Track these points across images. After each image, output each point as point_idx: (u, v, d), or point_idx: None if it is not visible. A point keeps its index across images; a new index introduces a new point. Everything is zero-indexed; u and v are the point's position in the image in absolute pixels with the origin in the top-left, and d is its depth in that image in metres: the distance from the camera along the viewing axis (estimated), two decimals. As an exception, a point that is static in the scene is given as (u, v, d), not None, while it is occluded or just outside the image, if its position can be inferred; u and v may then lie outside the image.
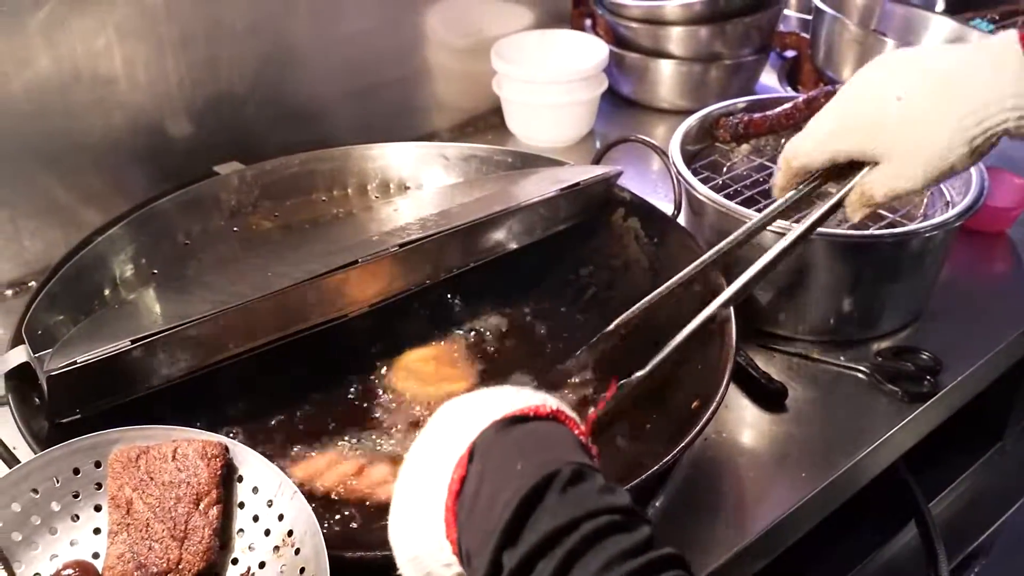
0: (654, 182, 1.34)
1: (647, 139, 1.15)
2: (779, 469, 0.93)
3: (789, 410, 0.99)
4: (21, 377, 0.84)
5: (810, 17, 1.55)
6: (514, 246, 1.03)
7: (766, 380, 1.00)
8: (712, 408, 0.81)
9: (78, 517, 0.71)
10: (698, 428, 0.79)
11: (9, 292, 1.15)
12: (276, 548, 0.70)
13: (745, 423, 0.98)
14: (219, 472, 0.71)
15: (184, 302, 0.89)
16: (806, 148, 0.82)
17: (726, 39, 1.50)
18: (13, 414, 0.80)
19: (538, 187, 1.05)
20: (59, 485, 0.71)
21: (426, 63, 1.43)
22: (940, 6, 1.56)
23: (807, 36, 1.57)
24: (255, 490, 0.72)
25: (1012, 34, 0.73)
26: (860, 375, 1.02)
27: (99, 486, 0.72)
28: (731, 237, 0.92)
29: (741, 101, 1.24)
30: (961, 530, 1.18)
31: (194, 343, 0.85)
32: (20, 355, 0.84)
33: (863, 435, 0.96)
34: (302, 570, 0.67)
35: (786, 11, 1.69)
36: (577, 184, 1.03)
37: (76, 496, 0.71)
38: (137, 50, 1.12)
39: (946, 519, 1.15)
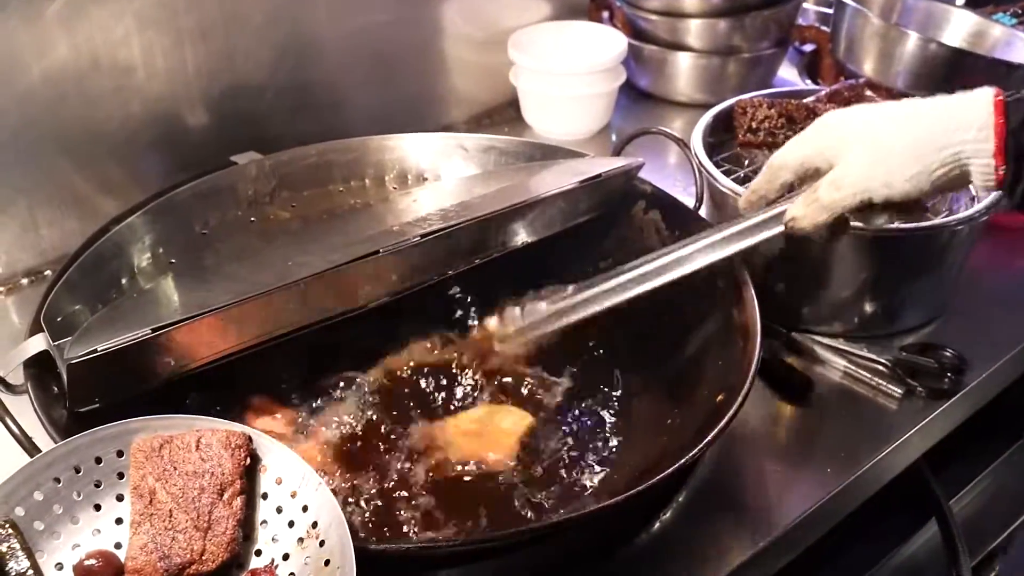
0: (672, 175, 1.33)
1: (669, 131, 1.13)
2: (803, 464, 0.92)
3: (813, 405, 0.98)
4: (40, 365, 0.83)
5: (829, 11, 1.54)
6: (534, 238, 1.02)
7: (791, 373, 0.99)
8: (738, 401, 0.80)
9: (100, 507, 0.70)
10: (724, 421, 0.78)
11: (25, 281, 1.15)
12: (300, 540, 0.69)
13: (768, 417, 0.97)
14: (243, 462, 0.70)
15: (204, 291, 0.88)
16: (785, 151, 0.87)
17: (745, 32, 1.49)
18: (32, 402, 0.80)
19: (558, 179, 1.04)
20: (81, 474, 0.70)
21: (443, 55, 1.42)
22: (961, 0, 1.54)
23: (827, 30, 1.55)
24: (279, 481, 0.71)
25: (989, 91, 0.76)
26: (883, 370, 1.01)
27: (121, 476, 0.71)
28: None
29: (761, 94, 1.23)
30: (982, 527, 1.17)
31: (214, 333, 0.85)
32: (40, 343, 0.83)
33: (887, 432, 0.96)
34: (327, 562, 0.66)
35: (805, 4, 1.68)
36: (598, 176, 1.02)
37: (98, 485, 0.70)
38: (156, 39, 1.12)
39: (967, 516, 1.14)
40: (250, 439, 0.71)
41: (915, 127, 0.78)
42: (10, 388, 0.82)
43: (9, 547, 0.65)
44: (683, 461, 0.75)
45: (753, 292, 0.90)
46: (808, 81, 1.56)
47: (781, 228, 0.86)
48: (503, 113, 1.52)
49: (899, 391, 0.99)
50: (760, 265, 0.97)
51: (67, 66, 1.07)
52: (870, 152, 0.79)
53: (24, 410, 0.79)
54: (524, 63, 1.41)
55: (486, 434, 0.93)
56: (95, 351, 0.78)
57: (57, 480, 0.69)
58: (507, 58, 1.43)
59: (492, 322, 1.01)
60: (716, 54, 1.50)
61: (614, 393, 0.98)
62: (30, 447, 0.77)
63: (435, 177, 1.16)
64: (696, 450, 0.76)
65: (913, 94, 1.23)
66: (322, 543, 0.67)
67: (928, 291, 1.06)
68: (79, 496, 0.70)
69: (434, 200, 1.04)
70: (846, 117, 0.83)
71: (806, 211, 0.83)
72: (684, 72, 1.52)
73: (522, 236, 1.01)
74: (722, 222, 0.92)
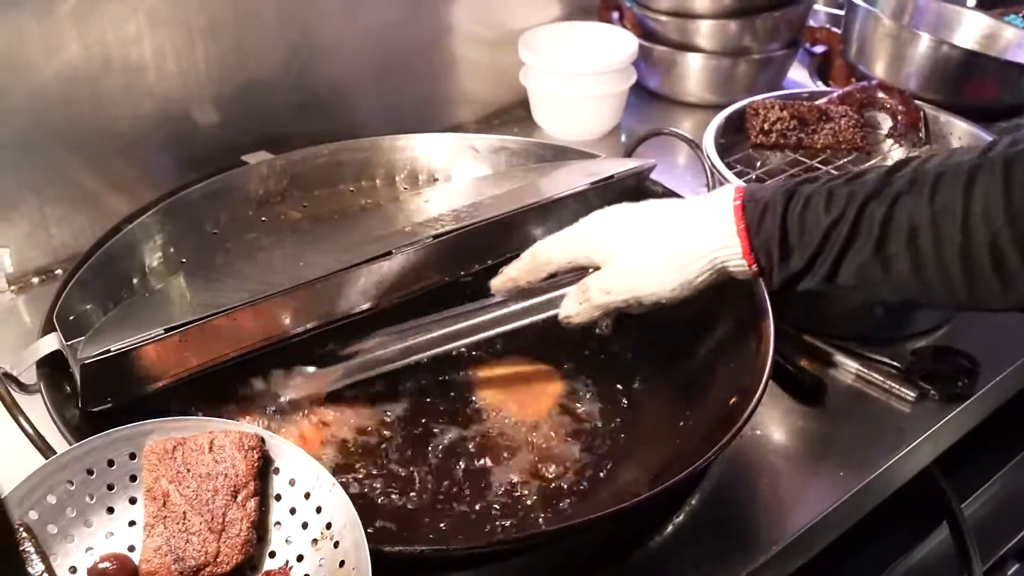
0: (681, 176, 1.33)
1: (681, 133, 1.13)
2: (816, 468, 0.92)
3: (826, 407, 0.98)
4: (53, 365, 0.83)
5: (839, 12, 1.54)
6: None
7: (804, 375, 0.99)
8: (752, 404, 0.79)
9: (113, 510, 0.70)
10: (738, 425, 0.78)
11: (35, 280, 1.14)
12: (314, 541, 0.68)
13: (781, 420, 0.97)
14: (256, 464, 0.70)
15: (216, 291, 0.88)
16: (552, 247, 0.88)
17: (755, 33, 1.48)
18: (45, 402, 0.80)
19: (570, 180, 1.03)
20: (94, 477, 0.69)
21: (453, 55, 1.42)
22: (972, 1, 1.54)
23: (838, 31, 1.55)
24: (292, 482, 0.71)
25: (730, 194, 0.79)
26: (896, 374, 1.01)
27: (133, 478, 0.71)
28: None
29: (773, 96, 1.22)
30: (994, 532, 1.17)
31: (226, 333, 0.84)
32: (52, 343, 0.83)
33: (899, 435, 0.95)
34: (341, 563, 0.66)
35: (816, 6, 1.67)
36: (611, 177, 1.02)
37: (111, 488, 0.70)
38: (167, 37, 1.12)
39: (979, 520, 1.13)
40: (263, 440, 0.71)
41: (671, 241, 0.80)
42: (23, 387, 0.82)
43: (23, 551, 0.65)
44: (697, 464, 0.75)
45: (766, 295, 0.90)
46: (819, 83, 1.55)
47: (553, 314, 0.88)
48: (513, 113, 1.51)
49: (912, 395, 0.99)
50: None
51: (79, 65, 1.06)
52: (635, 263, 0.82)
53: (36, 409, 0.80)
54: (534, 63, 1.41)
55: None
56: (109, 351, 0.78)
57: (70, 483, 0.68)
58: (517, 58, 1.43)
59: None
60: (726, 55, 1.50)
61: (626, 395, 0.98)
62: (43, 446, 0.77)
63: (446, 178, 1.16)
64: (710, 453, 0.76)
65: (925, 97, 1.25)
66: (336, 544, 0.67)
67: (941, 294, 1.06)
68: (92, 499, 0.69)
69: (446, 201, 1.04)
70: (612, 222, 0.84)
71: (579, 309, 0.85)
72: (694, 73, 1.52)
73: (535, 237, 1.01)
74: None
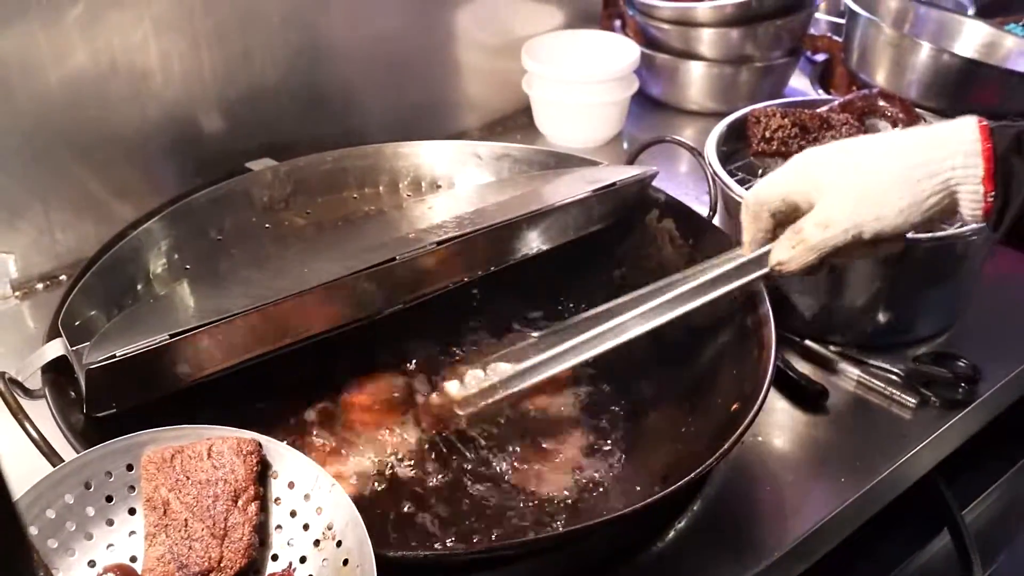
0: (683, 183, 1.33)
1: (683, 140, 1.14)
2: (818, 474, 0.92)
3: (828, 414, 0.98)
4: (58, 370, 0.83)
5: (841, 21, 1.54)
6: (549, 245, 1.02)
7: (806, 382, 0.99)
8: (754, 410, 0.80)
9: (113, 521, 0.70)
10: (740, 431, 0.78)
11: (40, 286, 1.15)
12: (316, 542, 0.69)
13: (783, 426, 0.97)
14: (255, 468, 0.70)
15: (220, 297, 0.89)
16: (762, 188, 0.85)
17: (757, 41, 1.49)
18: (50, 407, 0.80)
19: (573, 187, 1.04)
20: (92, 489, 0.70)
21: (456, 62, 1.43)
22: (972, 10, 1.55)
23: (839, 39, 1.56)
24: (291, 485, 0.71)
25: (973, 118, 0.75)
26: (897, 380, 1.01)
27: (132, 488, 0.71)
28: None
29: (774, 104, 1.23)
30: (994, 538, 1.17)
31: (231, 338, 0.85)
32: (58, 348, 0.83)
33: (900, 441, 0.96)
34: (345, 562, 0.66)
35: (817, 14, 1.68)
36: (613, 184, 1.03)
37: (109, 500, 0.70)
38: (173, 44, 1.12)
39: (979, 527, 1.14)
40: (260, 445, 0.71)
41: (903, 157, 0.76)
42: (28, 393, 0.83)
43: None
44: (699, 470, 0.75)
45: (768, 301, 0.91)
46: (820, 91, 1.56)
47: (763, 271, 0.84)
48: (516, 120, 1.52)
49: (913, 401, 0.99)
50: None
51: (85, 71, 1.07)
52: (858, 186, 0.77)
53: (42, 414, 0.80)
54: (537, 71, 1.42)
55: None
56: (114, 356, 0.78)
57: (69, 496, 0.69)
58: (520, 66, 1.43)
59: (453, 386, 0.93)
60: (728, 63, 1.50)
61: (628, 401, 0.98)
62: (48, 451, 0.77)
63: (449, 184, 1.16)
64: (712, 459, 0.76)
65: (926, 105, 1.25)
66: (339, 543, 0.67)
67: (942, 301, 1.07)
68: (92, 512, 0.70)
69: (449, 207, 1.05)
70: (826, 153, 0.81)
71: (792, 253, 0.80)
72: (696, 81, 1.53)
73: (537, 243, 1.02)
74: (735, 232, 0.92)
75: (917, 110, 1.22)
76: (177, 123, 1.17)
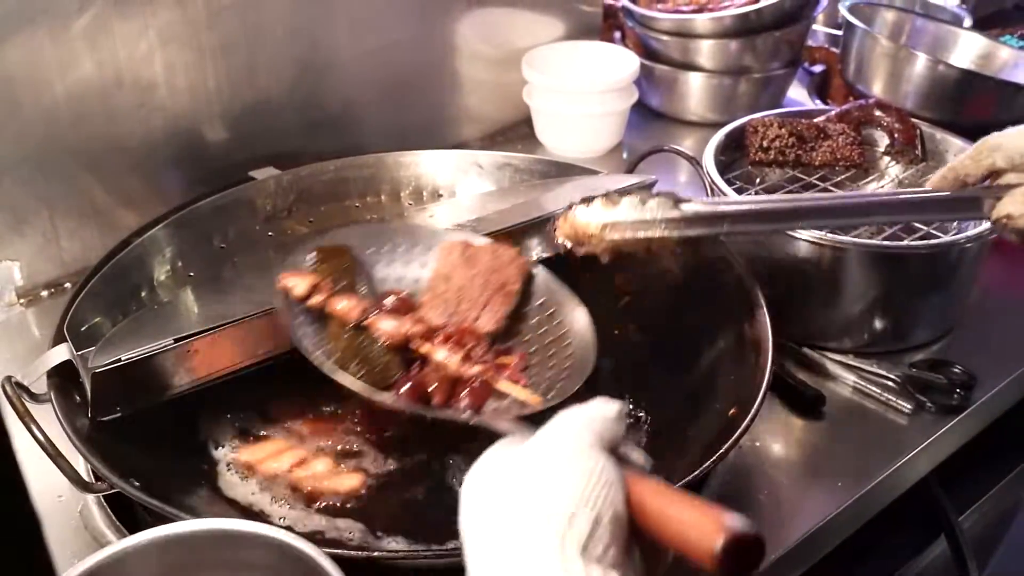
0: (682, 192, 1.33)
1: (681, 150, 1.15)
2: (814, 479, 0.93)
3: (824, 419, 0.99)
4: (63, 375, 0.85)
5: (838, 32, 1.56)
6: (550, 254, 1.03)
7: (803, 388, 1.00)
8: (750, 416, 0.81)
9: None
10: (736, 435, 0.79)
11: (44, 293, 1.16)
12: (550, 342, 0.86)
13: (780, 432, 0.98)
14: (523, 273, 0.90)
15: (224, 303, 0.90)
16: (1002, 136, 0.81)
17: (756, 53, 1.50)
18: (55, 411, 0.81)
19: (573, 196, 1.04)
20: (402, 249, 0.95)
21: (458, 73, 1.44)
22: (967, 22, 1.56)
23: (836, 51, 1.57)
24: (542, 303, 0.91)
25: None
26: (893, 386, 1.02)
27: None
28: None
29: (772, 114, 1.24)
30: (990, 544, 1.18)
31: (235, 344, 0.86)
32: (63, 353, 0.85)
33: (896, 447, 0.96)
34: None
35: (815, 26, 1.70)
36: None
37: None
38: (178, 56, 1.14)
39: (976, 533, 1.14)
40: (532, 268, 0.92)
41: None
42: (34, 397, 0.84)
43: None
44: (695, 474, 0.76)
45: (765, 307, 0.92)
46: (818, 101, 1.57)
47: (983, 219, 0.81)
48: (517, 131, 1.53)
49: (909, 407, 1.00)
50: (771, 280, 0.98)
51: (91, 82, 1.09)
52: None
53: (47, 418, 0.81)
54: (538, 82, 1.43)
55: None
56: (119, 360, 0.80)
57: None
58: (521, 77, 1.45)
59: (597, 207, 0.88)
60: (727, 74, 1.52)
61: (626, 405, 0.99)
62: (53, 452, 0.79)
63: (450, 193, 1.18)
64: (708, 463, 0.77)
65: (922, 116, 1.27)
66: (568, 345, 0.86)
67: (938, 308, 1.07)
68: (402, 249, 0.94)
69: (450, 216, 1.06)
70: None
71: None
72: (695, 92, 1.54)
73: (538, 251, 1.03)
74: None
75: (913, 120, 1.24)
76: (182, 134, 1.18)
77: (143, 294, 1.00)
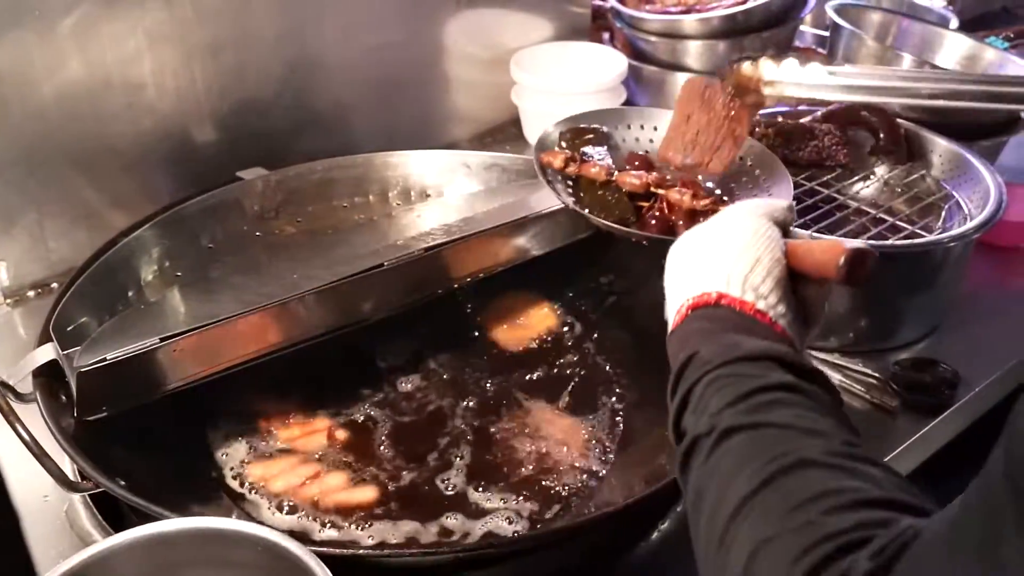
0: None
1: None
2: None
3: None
4: (48, 374, 0.85)
5: (825, 33, 1.56)
6: (537, 253, 1.04)
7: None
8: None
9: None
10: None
11: (31, 293, 1.16)
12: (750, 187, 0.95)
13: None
14: (751, 118, 0.96)
15: (211, 303, 0.90)
16: None
17: (743, 54, 1.51)
18: (41, 410, 0.81)
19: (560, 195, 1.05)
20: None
21: (447, 74, 1.44)
22: (954, 24, 1.57)
23: (823, 51, 1.58)
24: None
25: None
26: (878, 384, 1.03)
27: None
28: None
29: (759, 114, 1.24)
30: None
31: (221, 343, 0.86)
32: (49, 352, 0.85)
33: (882, 445, 0.97)
34: None
35: (802, 27, 1.70)
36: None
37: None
38: (167, 56, 1.14)
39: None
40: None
41: None
42: (19, 396, 0.84)
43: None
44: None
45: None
46: (805, 102, 1.58)
47: None
48: (505, 131, 1.54)
49: (894, 405, 1.01)
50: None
51: (79, 82, 1.09)
52: None
53: (33, 417, 0.81)
54: (526, 82, 1.44)
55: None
56: (104, 360, 0.80)
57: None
58: (509, 77, 1.45)
59: (767, 64, 0.94)
60: (715, 75, 1.52)
61: (613, 403, 0.99)
62: (39, 452, 0.79)
63: (438, 194, 1.18)
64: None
65: (907, 116, 1.27)
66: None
67: (922, 307, 1.08)
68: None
69: (437, 216, 1.06)
70: None
71: None
72: (683, 93, 1.54)
73: (526, 251, 1.03)
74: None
75: (899, 121, 1.24)
76: (171, 134, 1.18)
77: (130, 294, 1.00)
